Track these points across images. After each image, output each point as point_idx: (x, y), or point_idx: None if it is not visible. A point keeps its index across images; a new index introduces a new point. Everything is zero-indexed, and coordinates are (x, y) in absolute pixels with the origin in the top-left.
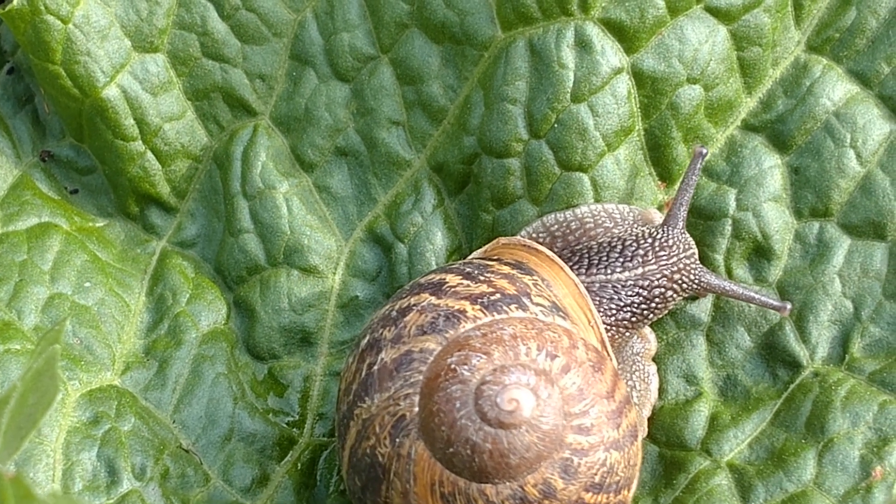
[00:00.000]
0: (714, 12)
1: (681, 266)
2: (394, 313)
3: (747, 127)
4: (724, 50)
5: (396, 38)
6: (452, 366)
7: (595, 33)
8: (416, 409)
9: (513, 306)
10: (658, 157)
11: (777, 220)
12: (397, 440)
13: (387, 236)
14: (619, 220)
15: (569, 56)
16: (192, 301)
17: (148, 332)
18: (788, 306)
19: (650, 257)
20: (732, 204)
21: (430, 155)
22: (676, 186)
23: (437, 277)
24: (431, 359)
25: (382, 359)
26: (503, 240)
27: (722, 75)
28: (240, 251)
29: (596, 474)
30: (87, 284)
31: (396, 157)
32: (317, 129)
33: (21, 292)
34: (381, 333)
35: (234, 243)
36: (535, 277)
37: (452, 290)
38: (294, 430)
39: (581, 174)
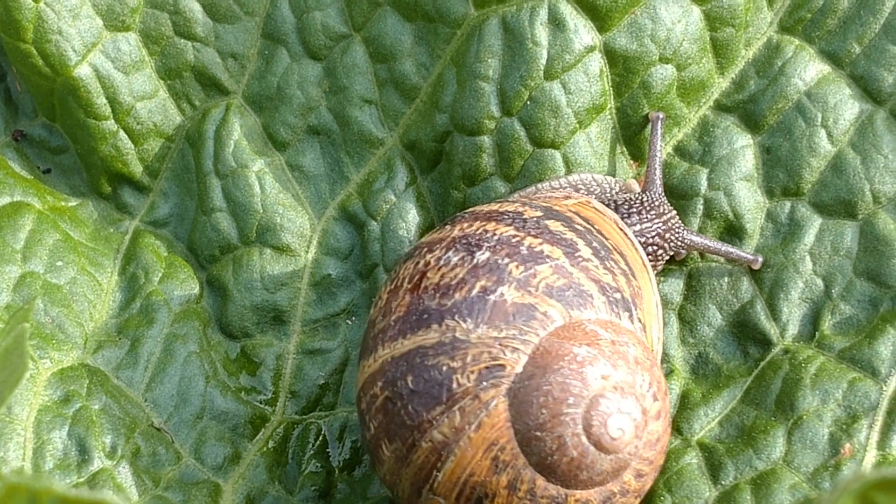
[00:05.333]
0: None
1: (670, 225)
2: (524, 250)
3: (720, 107)
4: (698, 30)
5: (369, 16)
6: (580, 358)
7: (568, 11)
8: (520, 369)
9: (626, 315)
10: (630, 135)
11: (749, 200)
12: (484, 383)
13: (359, 214)
14: (608, 189)
15: (542, 34)
16: (165, 280)
17: (120, 311)
18: (760, 259)
19: (644, 216)
20: (704, 183)
21: (402, 133)
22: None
23: (569, 237)
24: (551, 329)
25: (503, 294)
26: (595, 203)
27: (695, 55)
28: (212, 230)
29: None
30: (60, 263)
31: (369, 136)
32: (289, 107)
33: None
34: (507, 264)
35: (206, 222)
36: (638, 283)
37: (584, 262)
38: (266, 408)
39: (553, 151)
